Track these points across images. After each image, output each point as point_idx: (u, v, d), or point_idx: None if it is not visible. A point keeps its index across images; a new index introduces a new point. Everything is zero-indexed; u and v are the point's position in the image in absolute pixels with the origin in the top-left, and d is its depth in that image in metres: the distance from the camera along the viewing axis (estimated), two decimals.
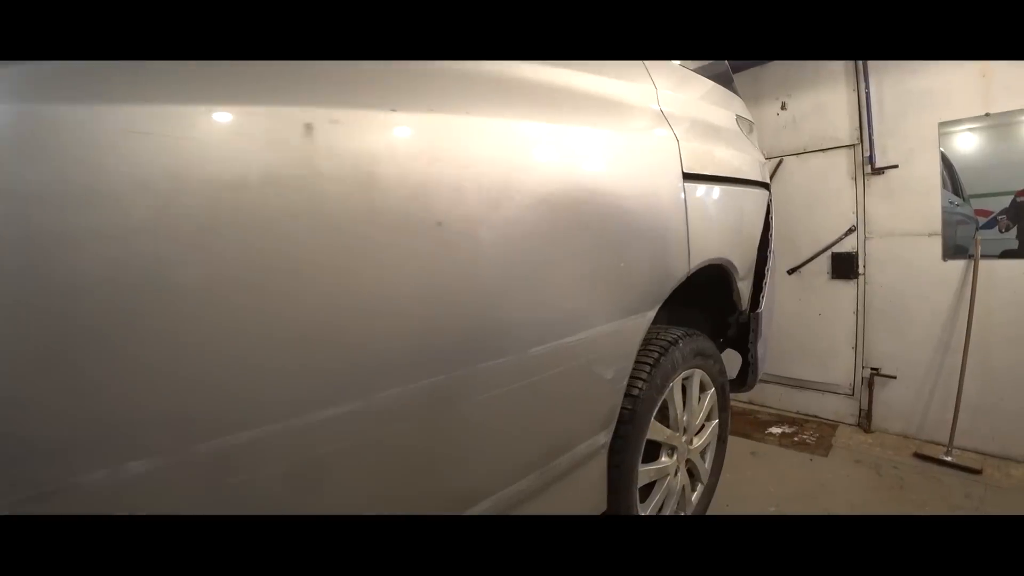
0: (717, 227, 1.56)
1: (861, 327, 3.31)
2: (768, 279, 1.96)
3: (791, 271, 3.52)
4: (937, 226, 2.93)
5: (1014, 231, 2.72)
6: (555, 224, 0.99)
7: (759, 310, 1.87)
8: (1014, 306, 2.77)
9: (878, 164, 3.07)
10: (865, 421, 3.34)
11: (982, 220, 2.83)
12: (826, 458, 3.07)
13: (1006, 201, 2.74)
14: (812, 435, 3.33)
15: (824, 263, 3.38)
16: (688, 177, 1.37)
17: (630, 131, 1.22)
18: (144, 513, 0.56)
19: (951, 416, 2.91)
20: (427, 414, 0.83)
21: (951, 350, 2.99)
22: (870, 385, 3.29)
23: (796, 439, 3.30)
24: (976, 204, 2.86)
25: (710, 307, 1.98)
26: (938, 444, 3.05)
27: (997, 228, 2.78)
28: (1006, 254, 2.75)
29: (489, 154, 0.89)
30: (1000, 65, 2.68)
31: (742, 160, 1.77)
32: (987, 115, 2.74)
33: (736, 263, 1.70)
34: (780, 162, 3.47)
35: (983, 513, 2.38)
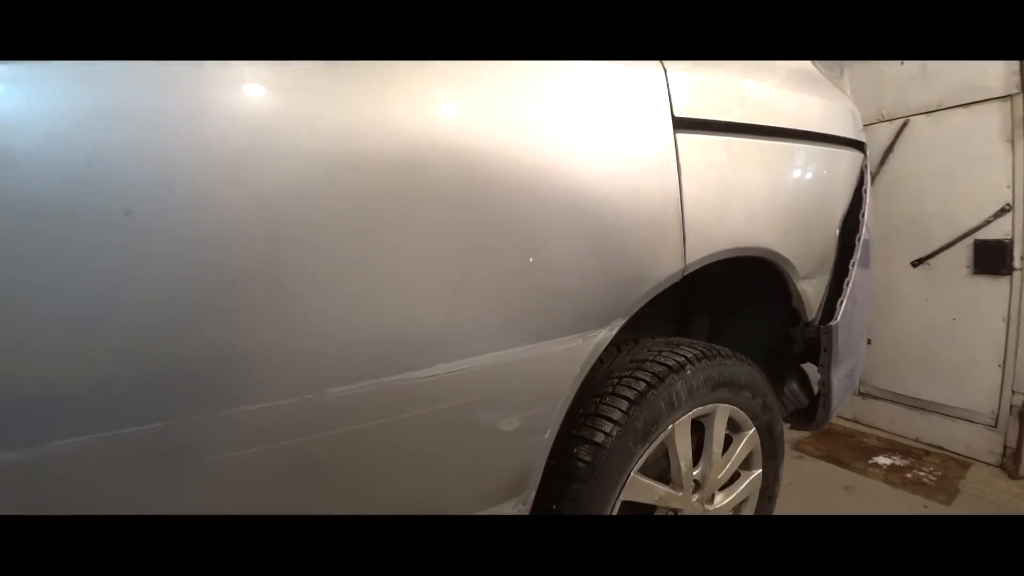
0: (749, 201, 1.06)
1: (1013, 339, 2.49)
2: (853, 277, 1.39)
3: (916, 263, 2.75)
4: None
5: None
6: (372, 200, 0.60)
7: (834, 322, 1.33)
8: None
9: None
10: (1011, 463, 2.54)
11: None
12: (947, 507, 2.35)
13: None
14: (933, 473, 2.59)
15: (963, 253, 2.58)
16: (684, 124, 0.90)
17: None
18: None
19: None
20: (114, 474, 0.52)
21: None
22: (1021, 416, 2.48)
23: (909, 475, 2.58)
24: None
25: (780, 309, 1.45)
26: None
27: None
28: None
29: (223, 104, 0.54)
30: None
31: (807, 106, 1.23)
32: None
33: (791, 255, 1.18)
34: (905, 123, 2.68)
35: None
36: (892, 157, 2.75)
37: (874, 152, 2.82)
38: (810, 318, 1.34)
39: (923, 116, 2.63)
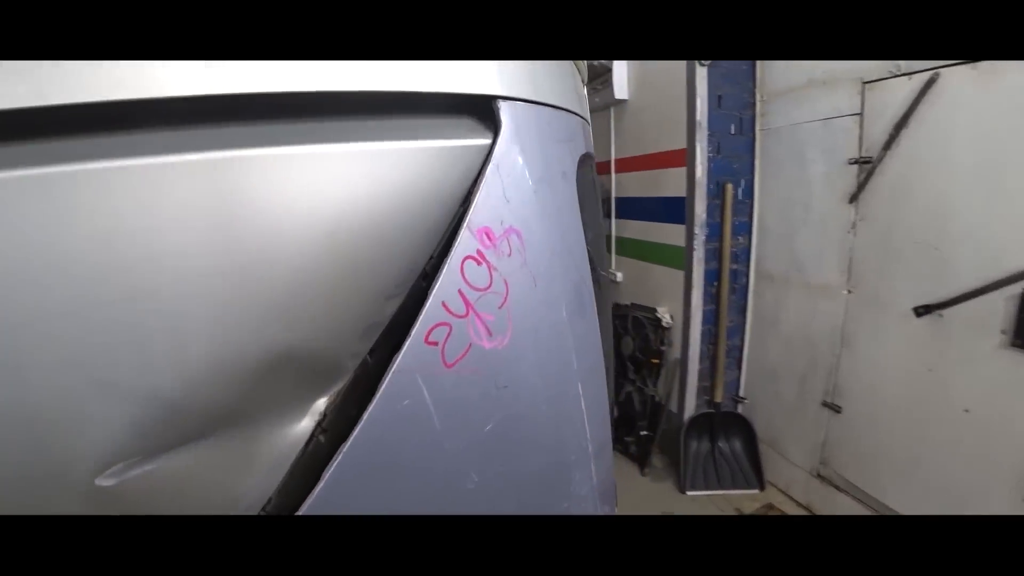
0: None
1: None
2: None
3: (922, 311, 1.67)
4: None
5: None
6: None
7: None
8: None
9: None
10: None
11: None
12: None
13: None
14: None
15: (999, 307, 1.49)
16: None
17: None
18: None
19: None
20: None
21: None
22: None
23: None
24: None
25: None
26: None
27: None
28: None
29: None
30: None
31: None
32: None
33: None
34: (934, 78, 1.53)
35: None
36: (905, 134, 1.62)
37: (882, 123, 1.69)
38: None
39: (965, 68, 1.46)
